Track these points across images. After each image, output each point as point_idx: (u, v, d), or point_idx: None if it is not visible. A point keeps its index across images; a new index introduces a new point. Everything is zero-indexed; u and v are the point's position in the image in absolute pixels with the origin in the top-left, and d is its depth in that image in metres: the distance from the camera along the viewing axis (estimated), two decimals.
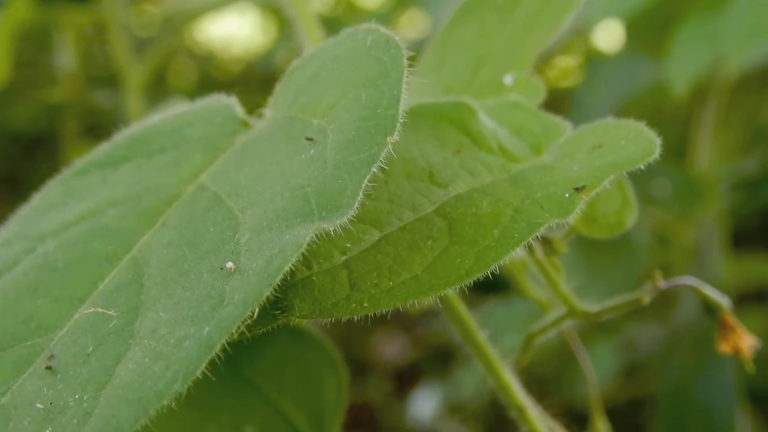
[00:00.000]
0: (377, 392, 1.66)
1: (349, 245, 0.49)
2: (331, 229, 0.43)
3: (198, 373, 0.39)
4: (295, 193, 0.45)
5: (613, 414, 0.71)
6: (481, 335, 0.62)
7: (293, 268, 0.47)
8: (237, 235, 0.45)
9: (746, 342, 0.64)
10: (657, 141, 0.52)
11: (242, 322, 0.41)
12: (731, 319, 0.63)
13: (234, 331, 0.40)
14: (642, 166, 0.51)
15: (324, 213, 0.44)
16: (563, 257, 0.62)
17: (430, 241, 0.49)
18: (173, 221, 0.49)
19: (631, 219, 0.59)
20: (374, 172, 0.45)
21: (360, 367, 1.68)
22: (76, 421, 0.40)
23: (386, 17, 1.57)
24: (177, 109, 0.57)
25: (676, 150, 1.34)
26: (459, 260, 0.48)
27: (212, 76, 2.05)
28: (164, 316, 0.43)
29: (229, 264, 0.43)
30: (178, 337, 0.41)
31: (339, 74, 0.51)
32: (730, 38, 1.05)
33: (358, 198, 0.44)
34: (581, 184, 0.49)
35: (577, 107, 1.45)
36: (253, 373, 0.64)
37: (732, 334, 0.63)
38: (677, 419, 1.05)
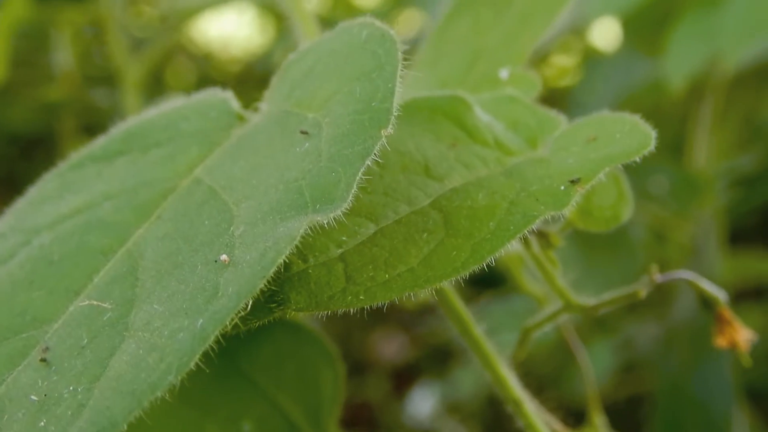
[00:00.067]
0: (376, 391, 1.66)
1: (344, 238, 0.49)
2: (325, 221, 0.43)
3: (192, 365, 0.39)
4: (290, 186, 0.45)
5: (611, 411, 0.71)
6: (478, 330, 0.62)
7: (289, 261, 0.47)
8: (231, 228, 0.45)
9: (743, 336, 0.64)
10: (652, 134, 0.52)
11: (236, 314, 0.41)
12: (728, 313, 0.63)
13: (228, 323, 0.40)
14: (637, 159, 0.51)
15: (318, 206, 0.44)
16: (560, 254, 0.62)
17: (425, 234, 0.49)
18: (168, 214, 0.49)
19: (626, 212, 0.60)
20: (369, 165, 0.45)
21: (359, 367, 1.68)
22: (70, 412, 0.40)
23: (383, 16, 1.56)
24: (173, 103, 0.57)
25: (674, 147, 1.34)
26: (455, 253, 0.48)
27: (210, 76, 2.05)
28: (158, 308, 0.43)
29: (224, 256, 0.43)
30: (172, 329, 0.41)
31: (334, 68, 0.51)
32: (727, 35, 1.05)
33: (353, 191, 0.44)
34: (576, 177, 0.50)
35: (574, 106, 1.45)
36: (250, 369, 0.64)
37: (728, 328, 0.63)
38: (674, 415, 1.06)
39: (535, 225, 0.58)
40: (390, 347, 1.74)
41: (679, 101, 1.30)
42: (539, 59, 1.70)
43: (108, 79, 1.31)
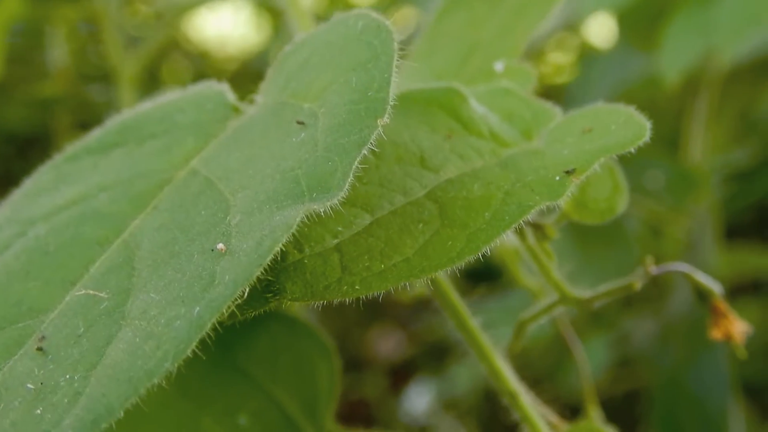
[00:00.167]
0: (373, 388, 1.67)
1: (340, 229, 0.49)
2: (322, 210, 0.44)
3: (188, 352, 0.39)
4: (286, 175, 0.45)
5: (608, 407, 0.71)
6: (473, 322, 0.62)
7: (284, 251, 0.47)
8: (228, 218, 0.45)
9: (738, 328, 0.64)
10: (647, 125, 0.52)
11: (232, 302, 0.41)
12: (723, 305, 0.63)
13: (224, 311, 0.41)
14: (632, 150, 0.51)
15: (314, 195, 0.44)
16: (556, 248, 0.62)
17: (421, 225, 0.49)
18: (165, 205, 0.49)
19: (621, 204, 0.60)
20: (365, 155, 0.45)
21: (356, 363, 1.69)
22: (66, 400, 0.40)
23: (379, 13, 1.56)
24: (169, 95, 0.58)
25: (669, 142, 1.35)
26: (450, 243, 0.48)
27: (206, 74, 2.05)
28: (155, 296, 0.43)
29: (220, 245, 0.43)
30: (168, 317, 0.41)
31: (330, 59, 0.51)
32: (721, 29, 1.05)
33: (349, 180, 0.44)
34: (571, 168, 0.50)
35: (570, 102, 1.45)
36: (246, 362, 0.65)
37: (724, 320, 0.64)
38: (671, 410, 1.06)
39: (531, 216, 0.58)
40: (387, 344, 1.74)
41: (674, 96, 1.30)
42: (535, 56, 1.70)
43: (104, 77, 1.31)
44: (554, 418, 0.63)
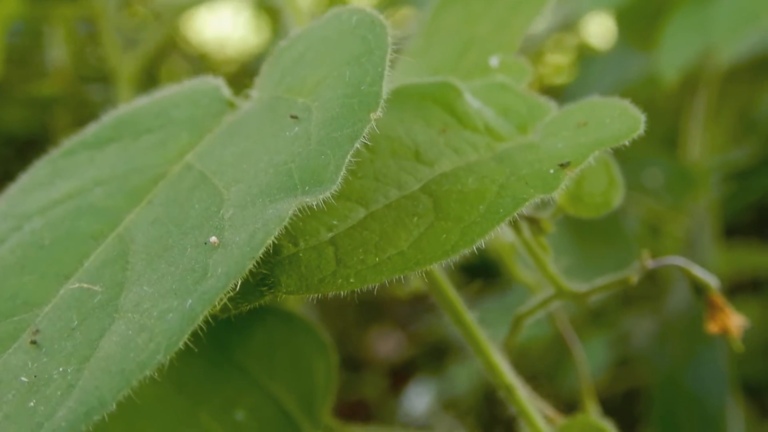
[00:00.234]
0: (372, 389, 1.66)
1: (335, 222, 0.49)
2: (314, 203, 0.44)
3: (180, 344, 0.39)
4: (279, 169, 0.46)
5: (607, 406, 0.71)
6: (470, 317, 0.62)
7: (279, 245, 0.47)
8: (221, 211, 0.45)
9: (735, 322, 0.64)
10: (641, 118, 0.52)
11: (225, 295, 0.41)
12: (719, 298, 0.63)
13: (217, 304, 0.41)
14: (626, 143, 0.51)
15: (307, 188, 0.44)
16: (554, 246, 0.62)
17: (415, 218, 0.49)
18: (159, 199, 0.50)
19: (617, 199, 0.60)
20: (359, 149, 0.45)
21: (355, 364, 1.69)
22: (59, 392, 0.40)
23: None
24: (164, 91, 0.58)
25: (668, 141, 1.35)
26: (444, 236, 0.48)
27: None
28: (148, 289, 0.43)
29: (213, 238, 0.43)
30: (161, 309, 0.41)
31: (324, 53, 0.51)
32: (720, 27, 1.05)
33: (341, 173, 0.44)
34: (566, 161, 0.50)
35: (569, 102, 1.45)
36: (243, 358, 0.65)
37: (720, 314, 0.64)
38: (669, 408, 1.06)
39: (527, 210, 0.58)
40: (386, 345, 1.74)
41: (673, 95, 1.31)
42: (534, 57, 1.71)
43: (102, 78, 1.31)
44: (551, 412, 0.63)
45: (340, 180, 0.44)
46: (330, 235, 0.49)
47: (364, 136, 0.45)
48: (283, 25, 0.81)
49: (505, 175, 0.51)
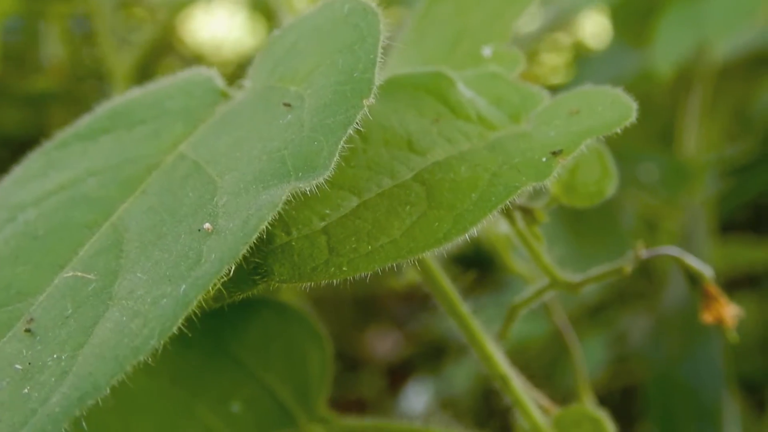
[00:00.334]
0: (370, 388, 1.67)
1: (328, 212, 0.49)
2: (308, 189, 0.44)
3: (174, 329, 0.39)
4: (272, 156, 0.46)
5: (607, 404, 0.71)
6: (465, 308, 0.62)
7: (272, 234, 0.48)
8: (215, 199, 0.45)
9: (729, 311, 0.64)
10: (633, 105, 0.52)
11: (218, 281, 0.41)
12: (714, 288, 0.63)
13: (210, 289, 0.41)
14: (618, 130, 0.51)
15: (301, 174, 0.44)
16: (548, 240, 0.63)
17: (408, 207, 0.49)
18: (153, 189, 0.50)
19: (610, 188, 0.60)
20: (352, 136, 0.45)
21: (353, 364, 1.69)
22: (54, 379, 0.40)
23: None
24: (158, 83, 0.58)
25: (664, 138, 1.35)
26: (437, 224, 0.48)
27: None
28: (142, 276, 0.43)
29: (207, 225, 0.44)
30: (155, 295, 0.41)
31: (317, 42, 0.51)
32: (713, 22, 1.05)
33: (335, 159, 0.44)
34: (558, 149, 0.50)
35: None
36: (238, 350, 0.65)
37: (715, 304, 0.64)
38: (665, 403, 1.06)
39: (520, 200, 0.59)
40: (384, 344, 1.74)
41: (668, 92, 1.31)
42: (530, 57, 1.71)
43: (98, 78, 1.31)
44: (546, 403, 0.63)
45: (333, 166, 0.44)
46: (323, 224, 0.49)
47: (356, 123, 0.45)
48: (279, 26, 0.81)
49: (498, 164, 0.51)
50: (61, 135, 0.56)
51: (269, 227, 0.43)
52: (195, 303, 0.40)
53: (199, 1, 1.29)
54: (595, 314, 1.42)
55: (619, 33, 1.42)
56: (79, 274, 0.45)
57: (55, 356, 0.41)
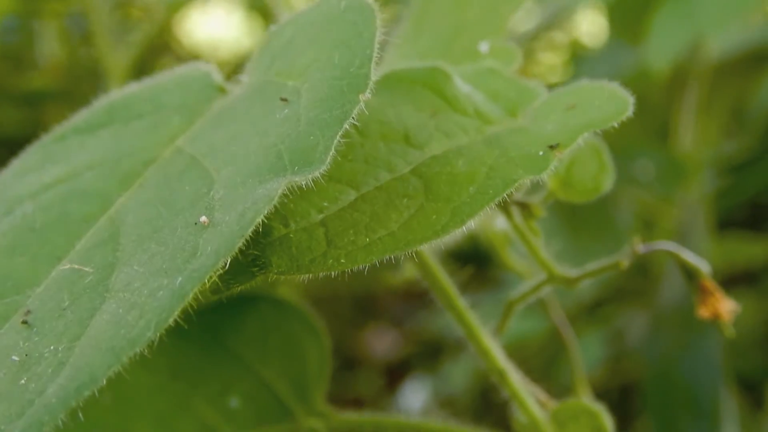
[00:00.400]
0: (368, 387, 1.67)
1: (326, 204, 0.49)
2: (304, 183, 0.44)
3: (170, 321, 0.39)
4: (269, 150, 0.46)
5: (605, 402, 0.71)
6: (462, 302, 0.62)
7: (270, 227, 0.48)
8: (212, 192, 0.46)
9: (725, 306, 0.64)
10: (630, 100, 0.53)
11: (214, 273, 0.41)
12: (710, 283, 0.64)
13: (206, 282, 0.41)
14: (615, 124, 0.51)
15: (297, 168, 0.44)
16: (546, 239, 0.63)
17: (406, 200, 0.50)
18: (150, 182, 0.50)
19: (607, 183, 0.60)
20: (349, 132, 0.46)
21: (351, 363, 1.69)
22: (50, 370, 0.40)
23: None
24: (155, 78, 0.58)
25: (660, 135, 1.35)
26: (435, 217, 0.48)
27: None
28: (139, 269, 0.43)
29: (203, 218, 0.44)
30: (151, 288, 0.41)
31: (313, 37, 0.52)
32: (708, 18, 1.05)
33: (331, 153, 0.44)
34: (555, 143, 0.50)
35: None
36: (237, 345, 0.65)
37: (711, 299, 0.64)
38: (663, 400, 1.06)
39: (518, 195, 0.59)
40: (382, 343, 1.74)
41: (664, 89, 1.31)
42: (528, 56, 1.71)
43: (95, 78, 1.31)
44: (543, 396, 0.63)
45: (329, 160, 0.44)
46: (321, 216, 0.49)
47: (353, 118, 0.45)
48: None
49: (495, 157, 0.51)
50: (59, 129, 0.56)
51: (267, 220, 0.43)
52: (191, 295, 0.40)
53: (196, 1, 1.29)
54: (593, 312, 1.42)
55: (615, 30, 1.42)
56: (76, 266, 0.45)
57: (52, 348, 0.41)
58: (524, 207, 0.60)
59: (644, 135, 1.36)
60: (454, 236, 0.49)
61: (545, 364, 1.43)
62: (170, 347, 0.64)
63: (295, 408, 0.64)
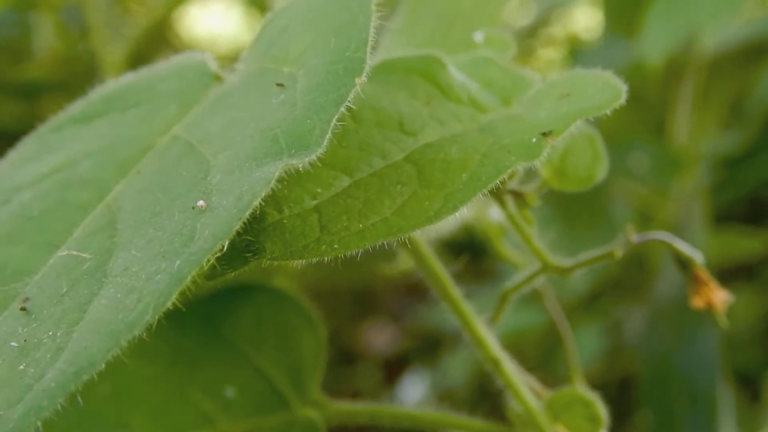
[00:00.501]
0: (367, 381, 1.67)
1: (319, 190, 0.50)
2: (300, 166, 0.44)
3: (168, 305, 0.40)
4: (265, 134, 0.46)
5: (603, 395, 0.72)
6: (457, 291, 0.62)
7: (264, 212, 0.48)
8: (209, 177, 0.46)
9: (719, 296, 0.64)
10: (623, 88, 0.53)
11: (212, 256, 0.41)
12: (704, 273, 0.64)
13: (204, 265, 0.41)
14: (608, 112, 0.51)
15: (293, 152, 0.45)
16: (541, 231, 0.63)
17: (399, 186, 0.50)
18: (147, 169, 0.50)
19: (601, 172, 0.60)
20: (344, 117, 0.46)
21: (350, 357, 1.69)
22: (49, 355, 0.40)
23: None
24: (151, 67, 0.58)
25: (656, 128, 1.35)
26: (427, 203, 0.49)
27: None
28: (137, 254, 0.43)
29: (201, 203, 0.44)
30: (149, 272, 0.42)
31: (309, 23, 0.52)
32: (702, 10, 1.06)
33: (327, 136, 0.45)
34: (548, 130, 0.50)
35: None
36: (232, 334, 0.65)
37: (704, 289, 0.64)
38: (660, 392, 1.06)
39: (512, 184, 0.59)
40: (380, 338, 1.74)
41: (660, 82, 1.31)
42: (526, 52, 1.72)
43: (92, 72, 1.31)
44: (538, 386, 0.64)
45: (325, 143, 0.44)
46: (314, 202, 0.49)
47: (349, 101, 0.46)
48: None
49: (488, 145, 0.51)
50: (56, 119, 0.57)
51: (261, 205, 0.43)
52: (189, 278, 0.40)
53: None
54: (590, 305, 1.42)
55: (611, 25, 1.43)
56: (74, 253, 0.46)
57: (50, 333, 0.42)
58: (518, 196, 0.60)
59: (640, 128, 1.36)
60: (449, 226, 0.49)
61: (544, 355, 1.43)
62: (167, 337, 0.65)
63: (291, 398, 0.65)
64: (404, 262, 0.72)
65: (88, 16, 1.14)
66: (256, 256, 0.47)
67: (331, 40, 0.48)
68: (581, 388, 0.66)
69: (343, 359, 1.66)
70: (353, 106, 0.46)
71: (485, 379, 0.66)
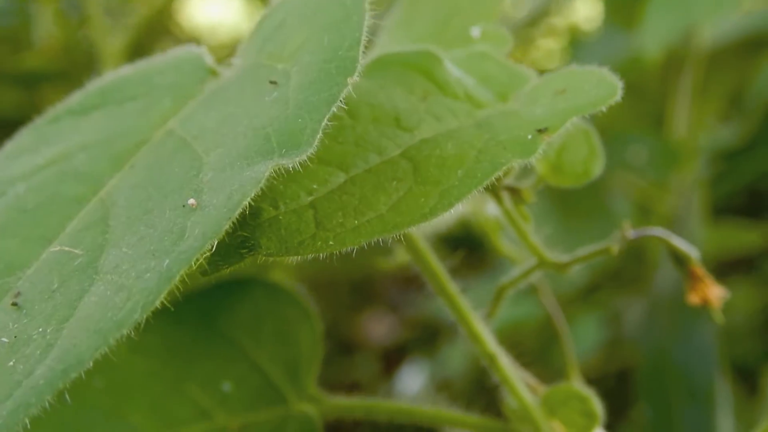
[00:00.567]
0: (365, 372, 1.67)
1: (315, 187, 0.50)
2: (291, 166, 0.44)
3: (157, 303, 0.40)
4: (257, 132, 0.46)
5: (601, 388, 0.72)
6: (453, 286, 0.62)
7: (260, 209, 0.48)
8: (200, 175, 0.46)
9: (715, 292, 0.64)
10: (619, 84, 0.53)
11: (202, 255, 0.41)
12: (699, 269, 0.64)
13: (193, 264, 0.41)
14: (603, 108, 0.51)
15: (284, 151, 0.44)
16: (537, 225, 0.63)
17: (395, 182, 0.50)
18: (141, 164, 0.50)
19: (597, 168, 0.60)
20: (339, 115, 0.46)
21: (348, 348, 1.69)
22: (39, 352, 0.40)
23: None
24: (148, 60, 0.58)
25: (655, 121, 1.35)
26: (423, 199, 0.48)
27: None
28: (127, 251, 0.43)
29: (191, 201, 0.44)
30: (139, 270, 0.42)
31: (304, 20, 0.52)
32: (701, 3, 1.05)
33: (318, 136, 0.44)
34: (544, 126, 0.50)
35: None
36: (229, 328, 0.65)
37: (700, 285, 0.64)
38: (658, 385, 1.06)
39: (508, 180, 0.59)
40: (379, 328, 1.74)
41: (659, 74, 1.31)
42: (526, 43, 1.71)
43: (92, 62, 1.31)
44: (534, 382, 0.64)
45: (316, 143, 0.44)
46: (310, 198, 0.49)
47: (341, 100, 0.45)
48: None
49: (484, 141, 0.51)
50: (53, 111, 0.57)
51: (257, 202, 0.43)
52: (178, 277, 0.40)
53: None
54: (589, 297, 1.42)
55: (611, 16, 1.42)
56: (66, 248, 0.46)
57: (40, 330, 0.41)
58: (514, 192, 0.60)
59: (639, 120, 1.36)
60: (446, 221, 0.49)
61: (542, 346, 1.43)
62: (164, 331, 0.65)
63: (287, 392, 0.65)
64: (401, 257, 0.72)
65: (88, 5, 1.13)
66: (252, 253, 0.47)
67: (325, 38, 0.48)
68: (577, 384, 0.66)
69: (342, 349, 1.66)
70: (345, 106, 0.45)
71: (483, 372, 0.66)
